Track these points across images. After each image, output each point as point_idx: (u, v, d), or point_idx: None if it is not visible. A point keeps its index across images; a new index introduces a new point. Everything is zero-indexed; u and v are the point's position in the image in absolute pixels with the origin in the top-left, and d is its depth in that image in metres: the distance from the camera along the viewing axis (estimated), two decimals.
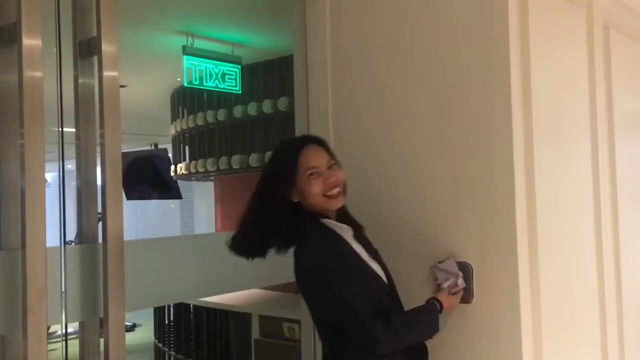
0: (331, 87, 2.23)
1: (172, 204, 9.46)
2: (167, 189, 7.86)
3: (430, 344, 1.68)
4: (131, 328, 6.67)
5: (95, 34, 1.67)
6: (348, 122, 2.20)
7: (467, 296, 1.78)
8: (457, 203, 1.86)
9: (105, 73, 1.63)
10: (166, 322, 4.40)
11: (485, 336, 1.78)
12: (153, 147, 8.42)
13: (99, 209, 1.72)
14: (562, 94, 2.03)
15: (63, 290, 1.61)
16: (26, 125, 1.39)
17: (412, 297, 1.69)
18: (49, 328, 1.72)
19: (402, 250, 2.02)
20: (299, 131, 2.38)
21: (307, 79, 2.32)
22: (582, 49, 2.25)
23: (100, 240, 1.67)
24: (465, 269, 1.78)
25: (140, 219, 10.20)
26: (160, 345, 4.49)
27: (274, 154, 1.70)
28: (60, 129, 1.76)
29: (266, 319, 3.58)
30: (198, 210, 9.64)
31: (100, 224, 1.74)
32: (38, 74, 1.45)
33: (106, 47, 1.65)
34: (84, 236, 1.71)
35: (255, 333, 3.61)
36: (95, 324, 1.70)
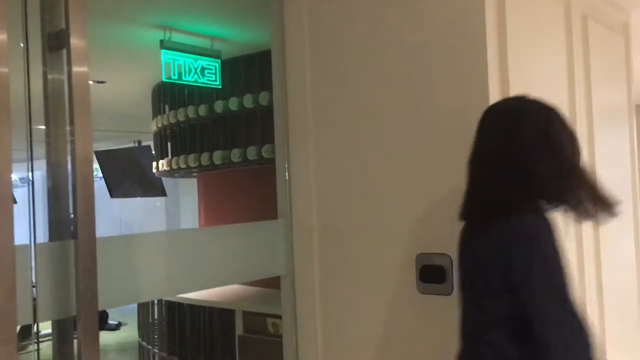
0: (310, 81, 2.22)
1: (158, 201, 9.38)
2: (151, 187, 7.79)
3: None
4: (116, 327, 6.62)
5: (63, 26, 1.63)
6: (328, 116, 2.18)
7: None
8: (440, 201, 1.86)
9: (75, 68, 1.60)
10: (150, 320, 4.37)
11: None
12: (136, 145, 8.35)
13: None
14: (542, 87, 2.02)
15: (34, 289, 1.58)
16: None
17: None
18: (34, 329, 1.69)
19: (390, 245, 2.01)
20: (279, 127, 2.36)
21: (285, 74, 2.30)
22: (561, 41, 2.24)
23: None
24: None
25: (125, 217, 10.12)
26: (145, 343, 4.46)
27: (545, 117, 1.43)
28: (28, 127, 1.73)
29: (250, 315, 3.56)
30: (184, 207, 9.58)
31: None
32: (3, 69, 1.41)
33: (75, 40, 1.62)
34: (56, 234, 1.69)
35: (239, 329, 3.59)
36: (68, 323, 1.67)
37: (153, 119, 4.67)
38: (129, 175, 8.10)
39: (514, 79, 1.81)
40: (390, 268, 2.05)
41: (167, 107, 4.45)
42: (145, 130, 6.13)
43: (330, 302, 2.22)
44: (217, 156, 3.91)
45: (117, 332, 6.38)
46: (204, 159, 4.00)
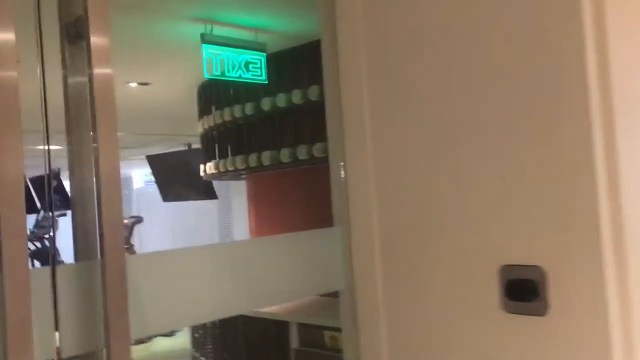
0: (366, 72, 1.95)
1: (210, 204, 9.29)
2: (202, 190, 7.70)
3: None
4: (170, 334, 6.52)
5: (81, 12, 1.41)
6: (388, 110, 1.91)
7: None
8: (525, 198, 1.55)
9: (96, 68, 1.37)
10: (202, 330, 4.19)
11: (566, 354, 1.47)
12: (187, 148, 8.27)
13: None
14: None
15: (54, 318, 1.37)
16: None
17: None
18: None
19: (467, 255, 1.72)
20: (332, 123, 2.11)
21: (337, 65, 2.04)
22: None
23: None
24: None
25: (178, 221, 10.11)
26: (197, 354, 4.29)
27: None
28: (45, 133, 1.53)
29: (306, 327, 3.31)
30: (236, 209, 9.45)
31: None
32: (11, 73, 1.20)
33: (95, 29, 1.39)
34: (81, 253, 1.48)
35: (294, 342, 3.35)
36: (98, 357, 1.45)
37: (199, 120, 4.50)
38: (180, 178, 8.05)
39: (616, 66, 1.48)
40: (468, 282, 1.74)
41: (212, 108, 4.26)
42: (194, 133, 6.00)
43: (397, 320, 1.94)
44: (266, 157, 3.68)
45: (170, 338, 6.27)
46: (252, 160, 3.78)
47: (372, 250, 1.98)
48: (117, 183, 1.40)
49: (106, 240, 1.40)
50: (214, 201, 8.87)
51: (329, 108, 2.12)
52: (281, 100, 3.60)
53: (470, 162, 1.69)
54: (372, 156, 1.96)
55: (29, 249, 8.18)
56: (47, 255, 7.56)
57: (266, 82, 3.30)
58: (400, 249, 1.91)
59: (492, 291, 1.66)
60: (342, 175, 2.06)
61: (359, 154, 2.02)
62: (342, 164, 2.05)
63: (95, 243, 1.44)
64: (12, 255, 1.25)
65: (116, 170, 1.38)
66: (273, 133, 3.77)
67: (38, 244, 8.03)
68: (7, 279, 1.23)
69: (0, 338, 1.24)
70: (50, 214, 7.70)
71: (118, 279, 1.42)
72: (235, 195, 9.21)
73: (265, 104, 3.70)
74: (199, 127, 4.52)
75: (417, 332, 1.88)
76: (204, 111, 4.43)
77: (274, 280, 1.90)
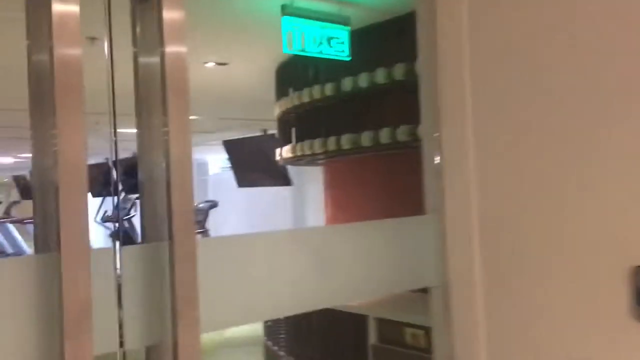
0: (469, 50, 1.71)
1: (284, 191, 9.21)
2: (277, 176, 7.61)
3: None
4: None
5: None
6: (492, 89, 1.65)
7: None
8: None
9: (169, 46, 1.22)
10: (276, 319, 4.07)
11: None
12: (262, 133, 8.20)
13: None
14: None
15: (117, 306, 1.23)
16: (59, 113, 1.06)
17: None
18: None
19: (590, 254, 1.47)
20: (427, 104, 1.88)
21: (435, 41, 1.81)
22: None
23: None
24: None
25: (250, 208, 10.12)
26: (270, 343, 4.17)
27: None
28: (112, 115, 1.41)
29: (385, 323, 3.10)
30: (310, 197, 9.34)
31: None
32: (74, 50, 1.07)
33: (168, 4, 1.24)
34: (149, 238, 1.33)
35: (372, 338, 3.14)
36: (164, 350, 1.30)
37: (276, 102, 4.35)
38: (255, 164, 8.01)
39: None
40: (590, 284, 1.48)
41: (290, 89, 4.10)
42: (270, 118, 5.89)
43: (499, 322, 1.69)
44: (345, 140, 3.48)
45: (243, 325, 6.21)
46: (331, 144, 3.58)
47: (471, 243, 1.74)
48: (189, 169, 1.26)
49: (175, 223, 1.24)
50: (288, 189, 8.78)
51: (424, 88, 1.90)
52: (363, 79, 3.38)
53: (599, 151, 1.42)
54: (473, 140, 1.72)
55: (109, 229, 8.38)
56: (127, 237, 7.71)
57: (349, 59, 3.08)
58: (505, 243, 1.66)
59: (620, 296, 1.40)
60: (437, 160, 1.83)
61: (458, 137, 1.78)
62: (438, 150, 1.83)
63: (165, 228, 1.29)
64: (71, 234, 1.11)
65: (188, 155, 1.24)
66: (353, 115, 3.56)
67: (118, 225, 8.21)
68: (65, 260, 1.10)
69: (57, 325, 1.10)
70: (129, 196, 7.85)
71: (188, 263, 1.27)
72: (310, 183, 9.08)
73: (346, 84, 3.49)
74: (276, 110, 4.38)
75: (522, 337, 1.62)
76: (281, 93, 4.29)
77: (358, 272, 1.70)
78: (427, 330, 2.93)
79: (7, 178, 10.97)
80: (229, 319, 1.40)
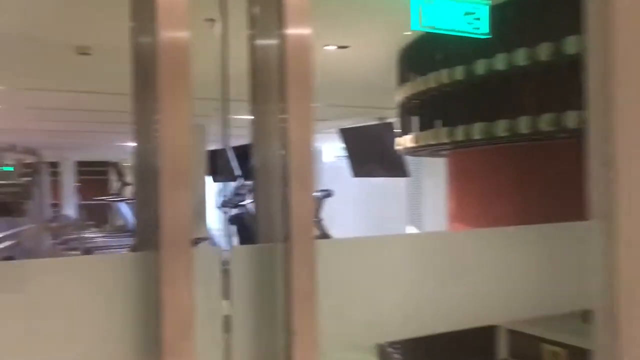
0: None
1: (401, 183, 8.88)
2: (394, 167, 7.33)
3: None
4: None
5: None
6: None
7: None
8: None
9: (291, 27, 1.06)
10: None
11: None
12: (379, 122, 7.93)
13: None
14: None
15: (222, 314, 1.04)
16: (163, 98, 0.95)
17: None
18: None
19: None
20: (594, 89, 1.54)
21: (607, 15, 1.48)
22: None
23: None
24: None
25: (364, 200, 9.89)
26: (386, 343, 3.94)
27: None
28: (225, 101, 1.34)
29: (518, 336, 2.75)
30: (428, 192, 8.93)
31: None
32: (181, 33, 0.96)
33: None
34: (262, 234, 1.13)
35: (502, 352, 2.80)
36: None
37: (398, 88, 4.07)
38: (372, 154, 7.79)
39: None
40: None
41: (414, 74, 3.81)
42: (388, 106, 5.60)
43: None
44: (476, 129, 3.14)
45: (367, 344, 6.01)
46: (460, 133, 3.25)
47: None
48: (310, 159, 1.09)
49: (293, 221, 1.03)
50: (404, 181, 8.45)
51: (592, 70, 1.56)
52: (500, 61, 3.01)
53: None
54: None
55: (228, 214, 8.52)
56: (244, 221, 7.73)
57: (489, 36, 2.73)
58: None
59: None
60: (607, 153, 1.49)
61: (638, 126, 1.43)
62: (610, 144, 1.48)
63: (279, 227, 1.08)
64: (173, 227, 0.94)
65: (309, 145, 1.08)
66: (486, 102, 3.21)
67: (236, 210, 8.33)
68: (164, 257, 0.92)
69: (153, 336, 0.93)
70: (245, 182, 7.92)
71: (305, 269, 1.06)
72: (428, 176, 8.68)
73: (480, 67, 3.14)
74: (398, 96, 4.10)
75: None
76: (404, 78, 4.00)
77: (506, 288, 1.40)
78: (570, 350, 2.55)
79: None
80: (349, 338, 1.17)
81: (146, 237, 1.01)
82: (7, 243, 5.85)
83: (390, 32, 3.71)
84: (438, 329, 1.32)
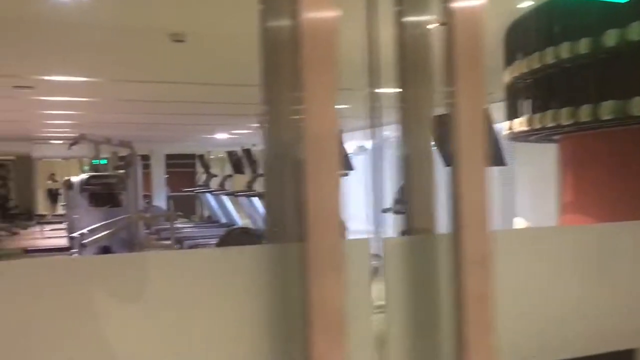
0: None
1: (493, 171, 8.38)
2: (490, 155, 6.90)
3: None
4: None
5: None
6: None
7: None
8: None
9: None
10: None
11: None
12: None
13: None
14: None
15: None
16: (307, 86, 0.83)
17: None
18: None
19: None
20: None
21: None
22: None
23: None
24: None
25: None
26: None
27: None
28: (371, 86, 1.23)
29: None
30: (521, 182, 8.41)
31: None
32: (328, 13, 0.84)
33: None
34: (415, 226, 0.93)
35: None
36: None
37: (505, 68, 3.74)
38: None
39: None
40: None
41: (526, 51, 3.46)
42: (491, 89, 5.23)
43: None
44: (605, 109, 2.78)
45: None
46: (584, 113, 2.90)
47: None
48: (484, 143, 1.03)
49: (464, 205, 0.83)
50: (496, 169, 7.98)
51: None
52: (635, 31, 2.64)
53: None
54: None
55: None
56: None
57: (626, 0, 2.40)
58: None
59: None
60: None
61: None
62: None
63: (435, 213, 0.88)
64: (320, 220, 0.75)
65: (482, 130, 1.01)
66: (616, 78, 2.84)
67: None
68: (311, 251, 0.73)
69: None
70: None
71: (479, 268, 0.85)
72: (520, 165, 8.17)
73: (610, 38, 2.77)
74: (505, 76, 3.77)
75: None
76: (513, 56, 3.66)
77: None
78: None
79: (222, 154, 11.76)
80: (526, 353, 0.95)
81: (278, 229, 0.84)
82: (103, 232, 5.99)
83: (499, 6, 3.39)
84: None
